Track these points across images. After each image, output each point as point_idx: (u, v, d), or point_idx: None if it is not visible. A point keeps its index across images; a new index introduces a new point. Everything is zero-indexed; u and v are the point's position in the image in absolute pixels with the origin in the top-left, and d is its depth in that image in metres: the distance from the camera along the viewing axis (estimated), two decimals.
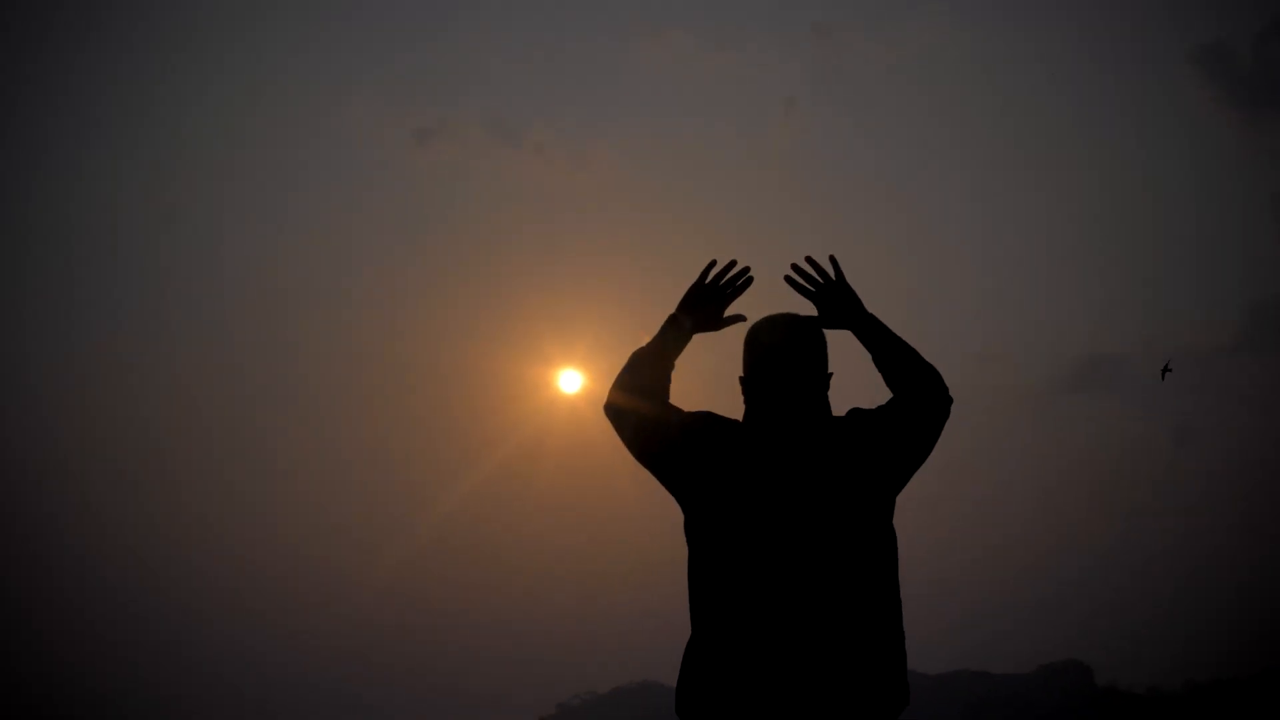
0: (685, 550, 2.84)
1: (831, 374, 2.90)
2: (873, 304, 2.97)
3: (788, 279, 2.99)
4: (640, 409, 2.90)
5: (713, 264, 3.02)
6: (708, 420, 2.87)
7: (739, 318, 3.02)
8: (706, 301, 3.01)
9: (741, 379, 2.91)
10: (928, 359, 2.90)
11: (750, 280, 3.04)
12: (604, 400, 2.97)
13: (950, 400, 2.87)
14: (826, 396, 2.87)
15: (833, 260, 2.97)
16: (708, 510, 2.80)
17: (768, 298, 3.03)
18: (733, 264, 3.03)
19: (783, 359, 2.85)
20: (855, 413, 2.87)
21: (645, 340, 3.00)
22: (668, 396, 2.94)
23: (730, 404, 2.94)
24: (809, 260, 2.98)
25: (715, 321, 3.02)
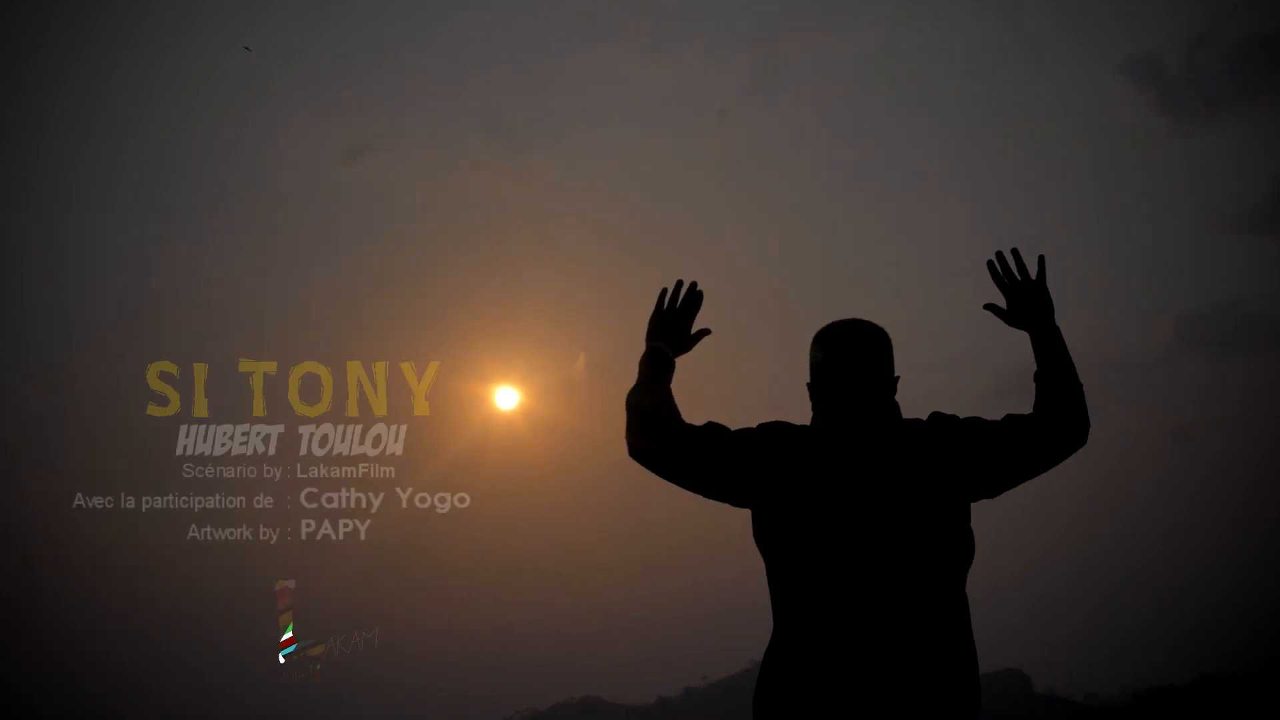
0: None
1: (898, 377, 2.88)
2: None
3: (989, 264, 3.05)
4: (683, 455, 2.87)
5: (664, 291, 3.12)
6: (775, 430, 2.86)
7: (704, 332, 3.13)
8: (671, 326, 3.09)
9: (808, 385, 2.89)
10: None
11: (701, 295, 3.13)
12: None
13: (1087, 429, 2.85)
14: (894, 399, 2.85)
15: (1041, 260, 3.00)
16: (781, 516, 2.77)
17: (718, 310, 3.20)
18: (680, 284, 3.13)
19: (848, 362, 2.83)
20: (937, 416, 2.85)
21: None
22: (682, 422, 2.93)
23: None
24: (1014, 253, 3.03)
25: (686, 342, 3.11)
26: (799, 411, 2.93)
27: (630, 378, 3.02)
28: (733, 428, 2.90)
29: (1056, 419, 2.82)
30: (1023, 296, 2.98)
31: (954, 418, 2.83)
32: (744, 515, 2.83)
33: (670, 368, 3.03)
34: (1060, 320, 2.96)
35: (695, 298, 3.12)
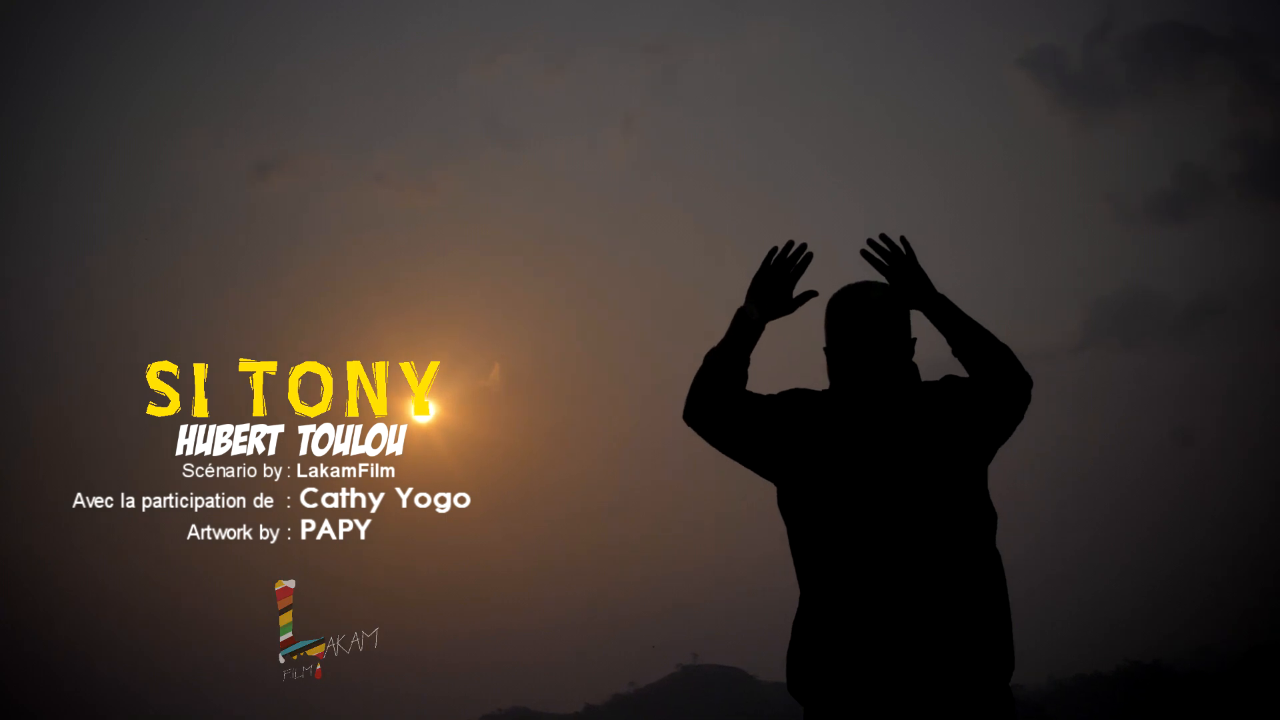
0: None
1: (915, 339, 2.90)
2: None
3: (864, 253, 3.01)
4: (727, 416, 2.88)
5: (774, 249, 3.02)
6: (795, 396, 2.87)
7: (810, 294, 3.02)
8: (773, 286, 2.99)
9: (825, 349, 2.91)
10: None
11: (810, 256, 3.02)
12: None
13: (1029, 380, 2.84)
14: (912, 361, 2.87)
15: (904, 240, 2.99)
16: (805, 484, 2.78)
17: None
18: (791, 244, 3.03)
19: (864, 325, 2.84)
20: (950, 379, 2.86)
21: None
22: (744, 390, 2.91)
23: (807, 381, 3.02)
24: (883, 237, 3.00)
25: (786, 304, 3.01)
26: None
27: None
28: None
29: (990, 381, 2.82)
30: (900, 275, 2.96)
31: (965, 380, 2.84)
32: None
33: (752, 330, 2.95)
34: (968, 312, 2.93)
35: (802, 259, 3.02)
